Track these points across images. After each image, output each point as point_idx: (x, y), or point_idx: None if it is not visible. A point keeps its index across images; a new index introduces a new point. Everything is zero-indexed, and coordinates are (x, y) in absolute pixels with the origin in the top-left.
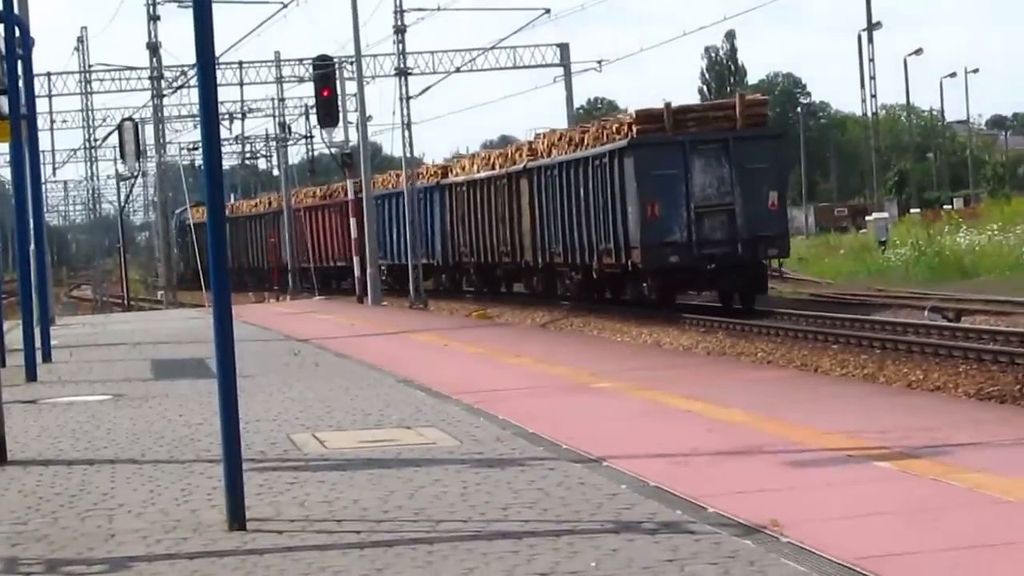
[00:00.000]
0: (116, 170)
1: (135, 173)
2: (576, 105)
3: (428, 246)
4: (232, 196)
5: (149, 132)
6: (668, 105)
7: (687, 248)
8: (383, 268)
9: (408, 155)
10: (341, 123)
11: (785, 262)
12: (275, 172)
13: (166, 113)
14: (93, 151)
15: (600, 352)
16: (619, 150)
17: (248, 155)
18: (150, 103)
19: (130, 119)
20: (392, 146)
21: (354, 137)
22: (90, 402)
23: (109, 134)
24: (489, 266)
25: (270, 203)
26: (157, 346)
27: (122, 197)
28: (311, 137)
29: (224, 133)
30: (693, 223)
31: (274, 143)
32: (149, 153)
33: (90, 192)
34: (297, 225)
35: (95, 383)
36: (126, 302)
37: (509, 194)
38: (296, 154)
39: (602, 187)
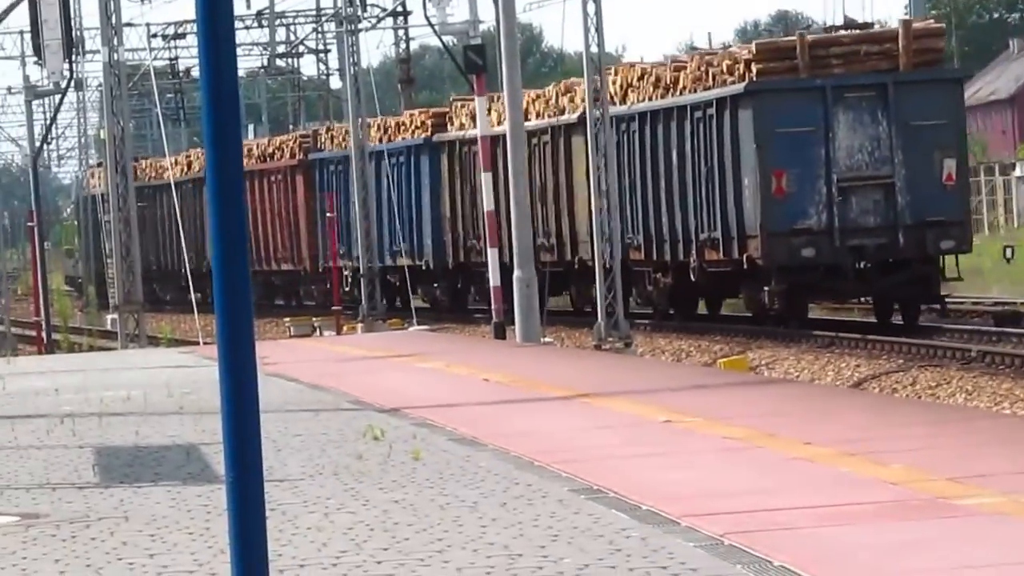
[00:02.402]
0: (25, 78)
1: (62, 84)
2: None
3: (411, 240)
4: (252, 129)
5: (90, 3)
6: (802, 36)
7: (827, 237)
8: (347, 275)
9: (595, 48)
10: None
11: None
12: (334, 82)
13: None
14: None
15: (972, 438)
16: (731, 97)
17: (283, 50)
18: None
19: None
20: (563, 33)
21: (488, 15)
22: None
23: (12, 7)
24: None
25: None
26: (105, 421)
27: (37, 132)
28: (405, 15)
29: (238, 6)
30: (836, 203)
31: (332, 28)
32: (89, 46)
33: None
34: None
35: None
36: (46, 335)
37: (554, 158)
38: (376, 47)
39: (704, 150)
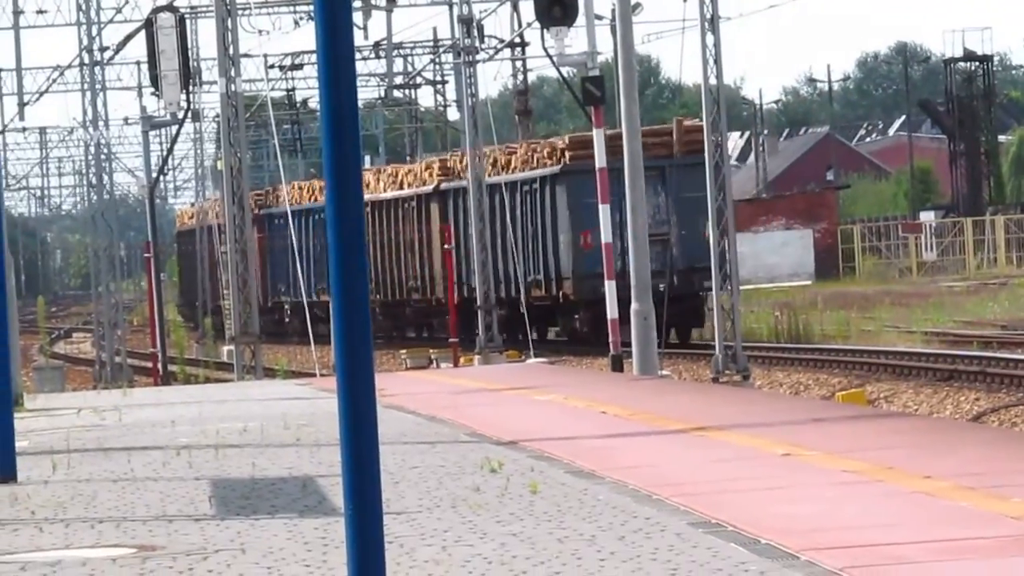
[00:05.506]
0: (142, 108)
1: (179, 115)
2: None
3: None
4: (369, 160)
5: (207, 34)
6: (603, 132)
7: (621, 279)
8: (287, 306)
9: (713, 80)
10: (581, 19)
11: None
12: (451, 113)
13: None
14: (96, 70)
15: None
16: (551, 176)
17: (401, 82)
18: None
19: (170, 8)
20: (681, 66)
21: (606, 46)
22: (95, 562)
23: (128, 38)
24: (396, 304)
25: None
26: (222, 453)
27: (153, 162)
28: (523, 46)
29: (357, 38)
30: (627, 253)
31: (450, 59)
32: (206, 76)
33: (90, 152)
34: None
35: (102, 524)
36: (162, 366)
37: (418, 219)
38: (494, 78)
39: (531, 215)
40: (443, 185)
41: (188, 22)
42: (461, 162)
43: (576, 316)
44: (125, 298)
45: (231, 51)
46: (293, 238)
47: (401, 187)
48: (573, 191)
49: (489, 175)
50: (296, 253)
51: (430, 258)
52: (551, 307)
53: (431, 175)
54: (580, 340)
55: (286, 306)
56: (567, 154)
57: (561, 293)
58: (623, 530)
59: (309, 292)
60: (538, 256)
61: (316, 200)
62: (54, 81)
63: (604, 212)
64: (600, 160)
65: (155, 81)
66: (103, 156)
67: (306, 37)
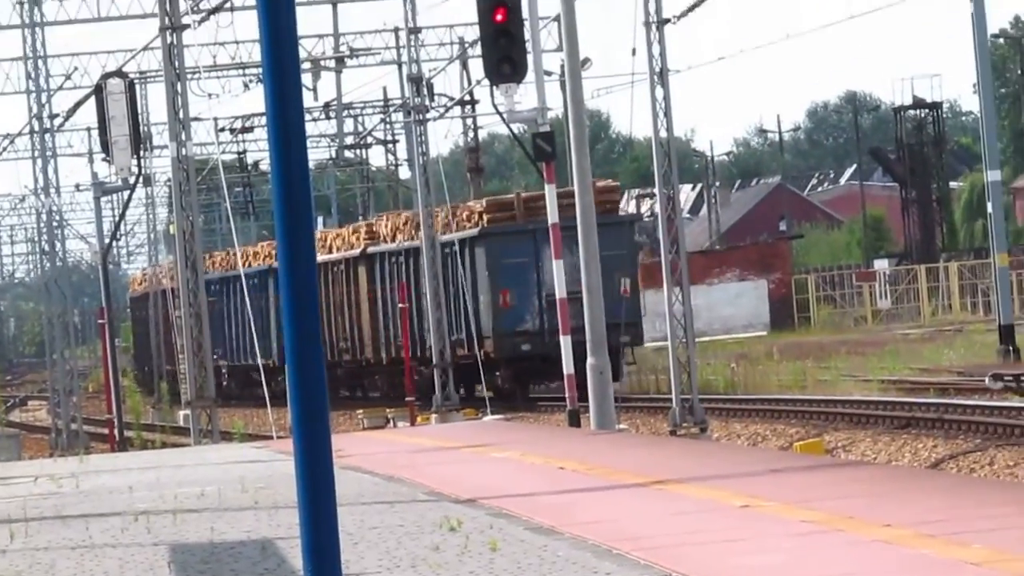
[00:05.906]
0: (93, 175)
1: (130, 180)
2: (992, 30)
3: (264, 344)
4: (322, 221)
5: (156, 99)
6: (519, 194)
7: (539, 337)
8: (224, 369)
9: (664, 133)
10: (530, 75)
11: None
12: (403, 172)
13: (188, 62)
14: (47, 137)
15: None
16: (470, 239)
17: (352, 142)
18: (157, 43)
19: (119, 74)
20: (631, 119)
21: (556, 102)
22: None
23: (78, 104)
24: (329, 365)
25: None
26: (180, 518)
27: (105, 228)
28: (473, 104)
29: (307, 99)
30: (545, 311)
31: (400, 118)
32: (156, 141)
33: (41, 219)
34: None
35: None
36: (118, 432)
37: (347, 282)
38: (444, 136)
39: (453, 275)
40: (369, 249)
41: (138, 87)
42: (388, 227)
43: (497, 373)
44: (80, 365)
45: (181, 115)
46: (248, 302)
47: (330, 251)
48: (492, 252)
49: (412, 238)
50: (234, 318)
51: (359, 320)
52: (474, 365)
53: (358, 239)
54: (503, 397)
55: (224, 370)
56: (485, 217)
57: (483, 351)
58: None
59: (254, 355)
60: (460, 316)
61: (251, 265)
62: (4, 149)
63: (558, 267)
64: (552, 215)
65: (106, 147)
66: (55, 223)
67: (256, 100)
